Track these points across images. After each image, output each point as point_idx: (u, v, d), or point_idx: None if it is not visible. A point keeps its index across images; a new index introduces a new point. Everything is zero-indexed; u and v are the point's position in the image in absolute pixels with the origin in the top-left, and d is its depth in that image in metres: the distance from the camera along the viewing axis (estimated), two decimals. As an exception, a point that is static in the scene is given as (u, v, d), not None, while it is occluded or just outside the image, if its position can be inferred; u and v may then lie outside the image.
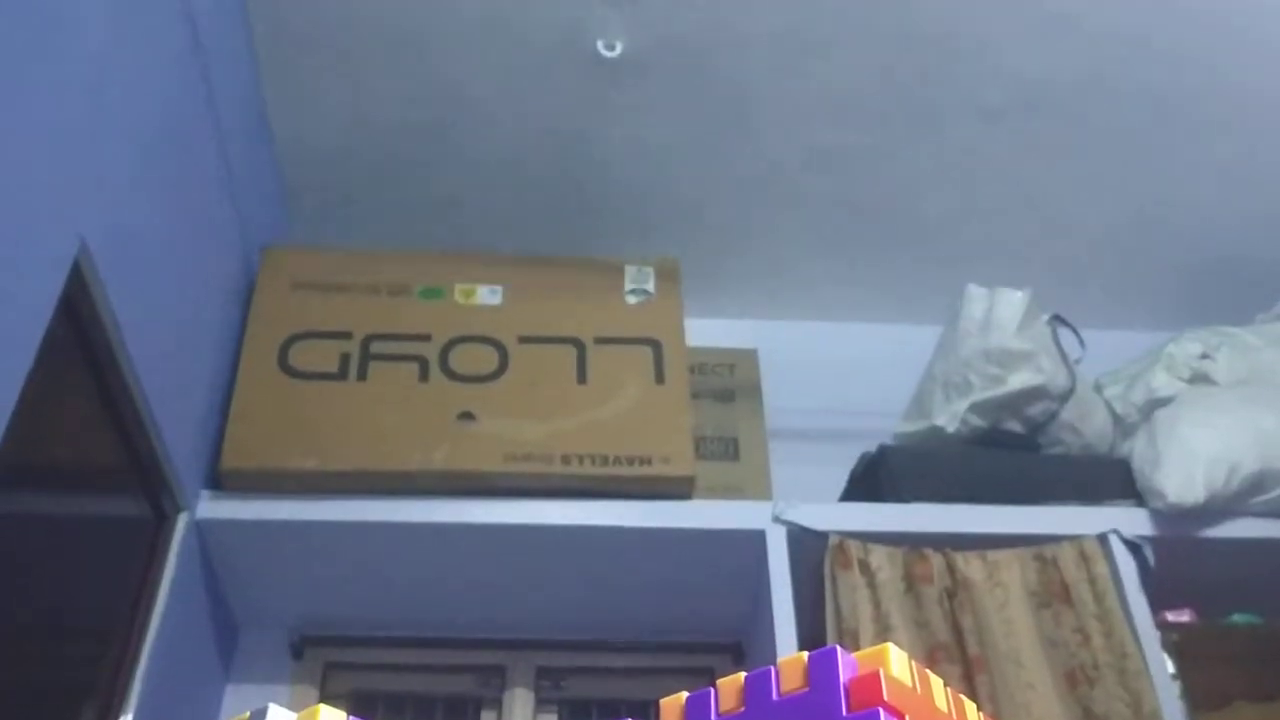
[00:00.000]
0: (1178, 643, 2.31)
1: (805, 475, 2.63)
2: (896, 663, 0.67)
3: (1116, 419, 2.75)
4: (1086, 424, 2.69)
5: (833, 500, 2.63)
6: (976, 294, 2.73)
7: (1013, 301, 2.67)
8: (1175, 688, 2.24)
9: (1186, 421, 2.51)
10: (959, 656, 2.25)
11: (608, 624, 2.64)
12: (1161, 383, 2.70)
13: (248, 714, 0.68)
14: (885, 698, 0.64)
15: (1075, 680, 2.22)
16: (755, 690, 0.70)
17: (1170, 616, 2.37)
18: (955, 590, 2.32)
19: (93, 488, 2.02)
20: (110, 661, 2.02)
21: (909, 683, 0.68)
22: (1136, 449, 2.57)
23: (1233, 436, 2.47)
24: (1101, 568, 2.34)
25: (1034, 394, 2.63)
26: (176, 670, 2.19)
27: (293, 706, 0.65)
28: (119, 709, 1.99)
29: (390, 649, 2.65)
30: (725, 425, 2.81)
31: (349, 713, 0.67)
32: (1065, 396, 2.65)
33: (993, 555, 2.37)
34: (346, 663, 2.65)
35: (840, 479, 2.69)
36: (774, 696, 0.69)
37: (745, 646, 2.65)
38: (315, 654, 2.63)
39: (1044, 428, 2.66)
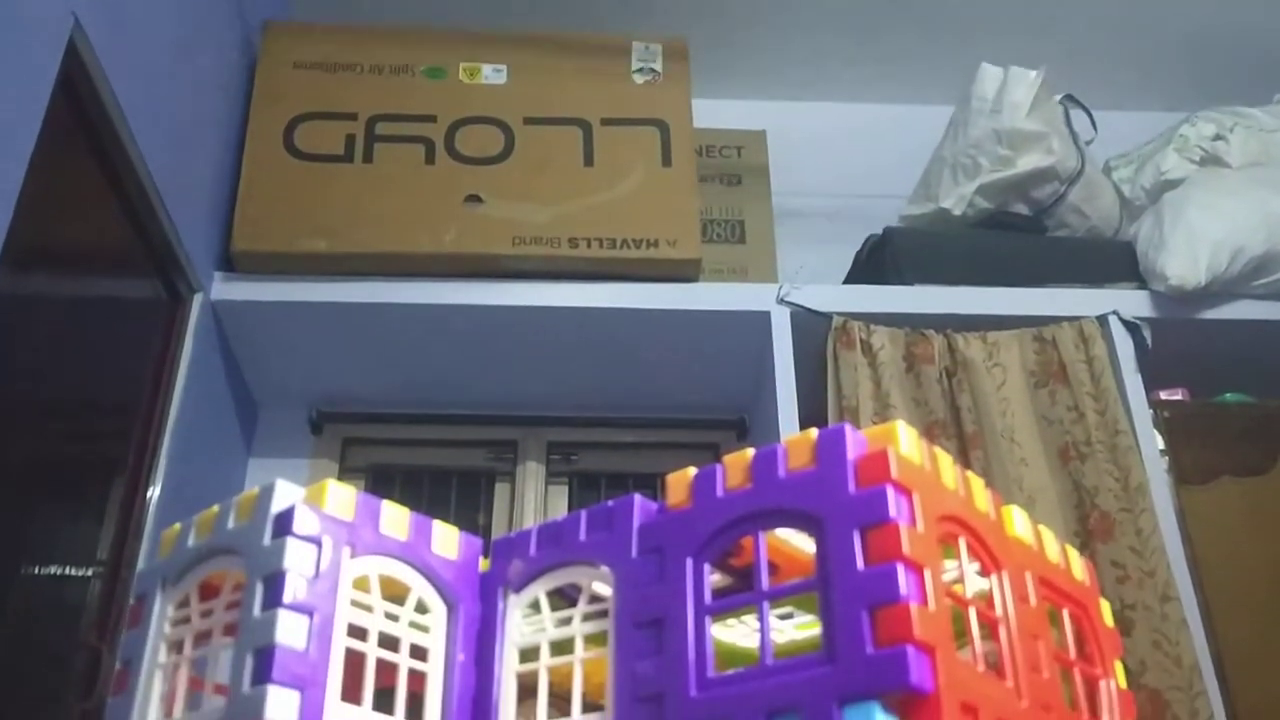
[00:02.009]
0: (1168, 420, 2.35)
1: (811, 257, 2.65)
2: (906, 440, 0.67)
3: (1124, 202, 2.73)
4: (1093, 206, 2.67)
5: (838, 282, 2.65)
6: (990, 73, 2.66)
7: (1026, 81, 2.60)
8: (1163, 463, 2.30)
9: (1194, 204, 2.49)
10: (955, 433, 2.30)
11: (616, 401, 2.70)
12: (1172, 164, 2.67)
13: (257, 489, 0.70)
14: (894, 475, 0.64)
15: (1067, 456, 2.27)
16: (762, 467, 0.70)
17: (1164, 395, 2.40)
18: (955, 370, 2.36)
19: (105, 270, 2.03)
20: (136, 437, 2.08)
21: (918, 460, 0.68)
22: (1142, 231, 2.56)
23: (1240, 219, 2.44)
24: (1099, 348, 2.37)
25: (1042, 176, 2.60)
26: (199, 445, 2.26)
27: (311, 480, 0.67)
28: (147, 481, 2.06)
29: (406, 425, 2.71)
30: (732, 208, 2.79)
31: (367, 485, 0.69)
32: (1073, 179, 2.62)
33: (993, 336, 2.40)
34: (364, 438, 2.71)
35: (846, 261, 2.70)
36: (781, 474, 0.69)
37: (749, 423, 2.72)
38: (333, 430, 2.70)
39: (1050, 210, 2.64)
